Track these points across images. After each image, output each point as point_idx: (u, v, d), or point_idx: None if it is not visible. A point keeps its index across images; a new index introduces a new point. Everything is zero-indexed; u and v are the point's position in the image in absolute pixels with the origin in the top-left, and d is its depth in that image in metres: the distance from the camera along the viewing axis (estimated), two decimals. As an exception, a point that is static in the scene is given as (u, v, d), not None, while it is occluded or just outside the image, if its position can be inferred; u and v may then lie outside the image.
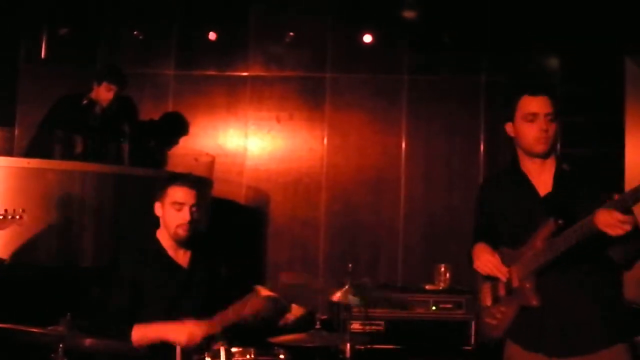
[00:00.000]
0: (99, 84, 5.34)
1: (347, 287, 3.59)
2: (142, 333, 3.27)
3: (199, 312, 3.43)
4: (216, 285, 3.56)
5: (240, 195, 6.19)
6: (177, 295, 3.42)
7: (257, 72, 6.27)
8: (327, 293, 3.68)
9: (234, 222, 5.70)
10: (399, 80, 6.22)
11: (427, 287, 5.35)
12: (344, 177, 6.16)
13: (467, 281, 4.98)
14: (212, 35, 6.18)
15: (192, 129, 6.18)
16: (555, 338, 2.85)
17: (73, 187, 4.56)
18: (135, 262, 3.45)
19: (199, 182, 3.74)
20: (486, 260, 2.98)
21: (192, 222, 3.44)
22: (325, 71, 6.24)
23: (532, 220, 2.91)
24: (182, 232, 3.43)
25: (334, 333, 3.94)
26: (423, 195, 6.13)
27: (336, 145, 6.19)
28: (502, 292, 3.00)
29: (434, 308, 5.06)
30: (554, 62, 6.15)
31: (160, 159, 5.66)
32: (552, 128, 2.92)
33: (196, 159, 5.64)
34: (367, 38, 6.17)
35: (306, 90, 6.24)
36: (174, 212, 3.43)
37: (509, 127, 3.02)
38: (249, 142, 6.23)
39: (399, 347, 4.97)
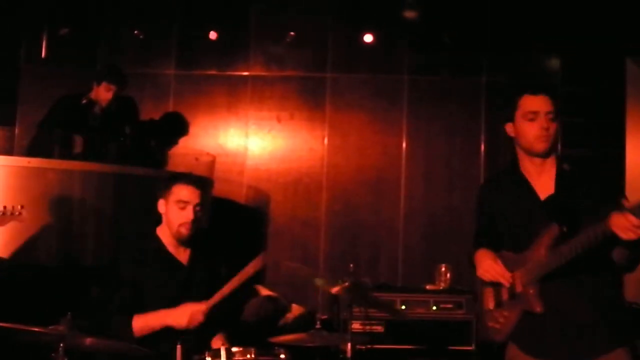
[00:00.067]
0: (99, 83, 5.34)
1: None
2: (143, 322, 3.31)
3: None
4: (216, 285, 3.56)
5: (241, 195, 6.19)
6: (177, 295, 3.42)
7: (258, 71, 6.28)
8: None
9: (234, 222, 5.70)
10: (400, 80, 6.23)
11: (427, 287, 5.35)
12: (344, 177, 6.16)
13: (467, 281, 4.98)
14: (212, 35, 6.18)
15: (193, 129, 6.18)
16: (557, 343, 2.85)
17: (73, 186, 4.56)
18: (135, 262, 3.46)
19: (203, 182, 3.75)
20: (489, 267, 2.98)
21: (195, 221, 3.45)
22: (326, 71, 6.25)
23: (532, 222, 2.91)
24: (184, 230, 3.44)
25: (335, 333, 3.95)
26: (423, 196, 6.13)
27: (336, 145, 6.19)
28: (505, 296, 3.00)
29: (434, 308, 5.06)
30: (554, 63, 6.16)
31: (161, 159, 5.66)
32: (553, 127, 2.92)
33: (197, 159, 5.64)
34: (368, 38, 6.18)
35: (307, 90, 6.24)
36: (177, 210, 3.44)
37: (509, 128, 3.02)
38: (249, 141, 6.23)
39: (399, 347, 4.97)
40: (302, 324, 4.82)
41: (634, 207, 2.49)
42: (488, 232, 3.13)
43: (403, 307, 5.05)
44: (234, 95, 6.26)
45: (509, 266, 2.95)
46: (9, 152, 5.07)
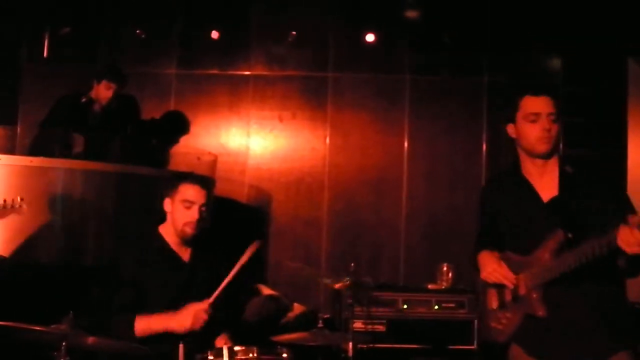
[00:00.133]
0: (99, 82, 5.34)
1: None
2: (145, 325, 3.30)
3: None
4: (217, 284, 3.56)
5: (243, 195, 6.19)
6: (178, 294, 3.43)
7: (260, 71, 6.28)
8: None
9: (236, 221, 5.69)
10: (401, 80, 6.23)
11: (429, 286, 5.35)
12: (346, 176, 6.16)
13: (469, 280, 4.98)
14: (214, 34, 6.18)
15: (195, 128, 6.18)
16: (559, 346, 2.86)
17: (75, 185, 4.56)
18: (137, 260, 3.46)
19: (209, 183, 3.76)
20: (493, 270, 2.99)
21: (200, 221, 3.47)
22: (328, 71, 6.24)
23: (534, 224, 2.91)
24: (189, 230, 3.46)
25: (337, 332, 3.94)
26: (425, 195, 6.12)
27: (338, 144, 6.19)
28: (508, 297, 3.00)
29: (436, 307, 5.06)
30: (555, 63, 6.15)
31: (162, 158, 5.66)
32: (555, 128, 2.91)
33: (199, 158, 5.64)
34: (370, 37, 6.17)
35: (308, 90, 6.24)
36: (183, 210, 3.46)
37: (510, 128, 3.02)
38: (251, 141, 6.23)
39: (401, 346, 4.97)
40: (304, 322, 4.83)
41: None
42: (490, 233, 3.13)
43: (405, 306, 5.05)
44: (235, 94, 6.26)
45: (513, 268, 2.95)
46: (10, 151, 5.08)
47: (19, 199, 3.64)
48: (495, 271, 2.97)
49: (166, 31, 6.29)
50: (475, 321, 4.93)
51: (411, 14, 6.21)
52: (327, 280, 3.77)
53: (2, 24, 5.99)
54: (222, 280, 3.44)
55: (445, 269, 5.41)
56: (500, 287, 3.03)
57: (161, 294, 3.41)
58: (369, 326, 4.93)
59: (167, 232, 3.54)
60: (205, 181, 3.59)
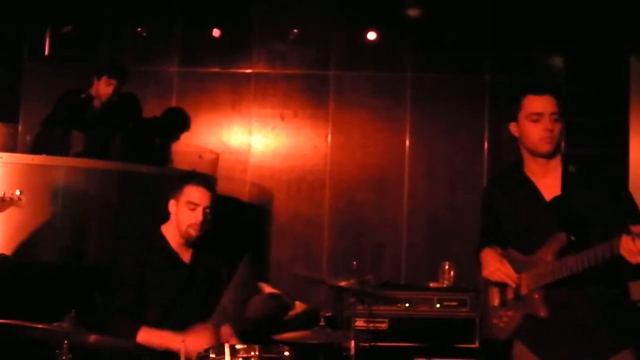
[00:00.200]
0: (99, 78, 5.33)
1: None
2: (148, 338, 3.28)
3: (201, 310, 3.44)
4: (219, 284, 3.57)
5: (244, 193, 6.19)
6: (179, 294, 3.43)
7: (261, 69, 6.27)
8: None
9: (237, 220, 5.69)
10: (403, 78, 6.22)
11: (431, 284, 5.35)
12: (347, 175, 6.16)
13: (471, 279, 4.98)
14: (216, 32, 6.18)
15: (196, 126, 6.18)
16: (562, 344, 2.86)
17: (77, 183, 4.56)
18: (138, 260, 3.46)
19: (214, 184, 3.76)
20: (495, 269, 2.99)
21: (204, 223, 3.46)
22: (329, 69, 6.24)
23: (537, 223, 2.92)
24: (193, 232, 3.46)
25: (338, 330, 3.94)
26: (426, 194, 6.12)
27: (340, 143, 6.19)
28: (510, 295, 3.01)
29: (438, 306, 5.05)
30: (557, 62, 6.15)
31: (164, 156, 5.66)
32: (557, 128, 2.91)
33: (200, 156, 5.64)
34: (371, 36, 6.17)
35: (310, 88, 6.24)
36: (187, 212, 3.45)
37: (512, 127, 3.02)
38: (252, 139, 6.23)
39: (403, 344, 4.97)
40: (306, 321, 4.82)
41: None
42: (493, 231, 3.14)
43: (407, 304, 5.05)
44: (237, 92, 6.26)
45: (516, 267, 2.96)
46: (12, 149, 5.08)
47: (17, 192, 3.62)
48: (497, 270, 2.98)
49: (167, 30, 6.29)
50: (478, 319, 4.93)
51: (413, 12, 6.21)
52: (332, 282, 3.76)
53: (3, 23, 5.99)
54: (222, 280, 3.45)
55: (447, 267, 5.40)
56: (502, 285, 3.03)
57: (161, 293, 3.42)
58: (371, 324, 4.92)
59: (170, 232, 3.53)
60: (210, 183, 3.59)
